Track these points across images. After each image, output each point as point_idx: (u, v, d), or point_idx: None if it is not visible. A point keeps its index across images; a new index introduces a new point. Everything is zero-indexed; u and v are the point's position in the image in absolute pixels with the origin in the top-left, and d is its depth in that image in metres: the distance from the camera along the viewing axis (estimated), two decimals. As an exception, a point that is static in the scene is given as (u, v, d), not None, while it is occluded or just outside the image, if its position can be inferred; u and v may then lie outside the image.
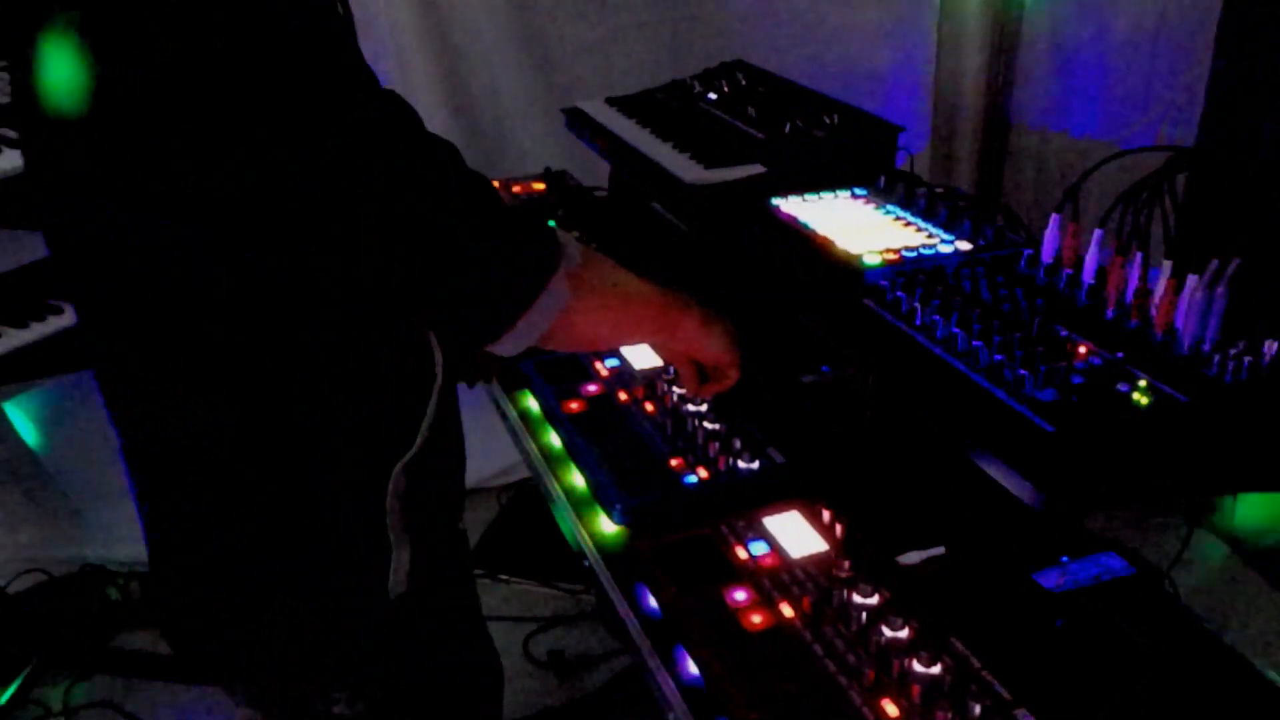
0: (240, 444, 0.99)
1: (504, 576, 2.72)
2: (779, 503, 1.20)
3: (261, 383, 0.97)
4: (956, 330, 1.17)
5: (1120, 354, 1.12)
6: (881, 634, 0.99)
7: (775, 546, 1.13)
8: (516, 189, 2.14)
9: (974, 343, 1.15)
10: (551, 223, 1.87)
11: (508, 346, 0.94)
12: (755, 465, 1.26)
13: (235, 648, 1.14)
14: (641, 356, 1.52)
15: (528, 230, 0.96)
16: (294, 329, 0.96)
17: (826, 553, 1.12)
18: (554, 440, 1.38)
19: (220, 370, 0.96)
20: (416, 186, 0.87)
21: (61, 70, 0.82)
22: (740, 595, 1.06)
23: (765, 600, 1.05)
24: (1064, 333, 1.18)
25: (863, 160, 1.71)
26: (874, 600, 1.03)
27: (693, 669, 1.00)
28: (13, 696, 2.43)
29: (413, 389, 1.05)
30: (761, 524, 1.17)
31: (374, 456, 1.03)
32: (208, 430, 0.99)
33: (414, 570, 1.08)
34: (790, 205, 1.59)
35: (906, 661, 0.95)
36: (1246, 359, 1.07)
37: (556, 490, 1.30)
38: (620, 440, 1.32)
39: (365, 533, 1.04)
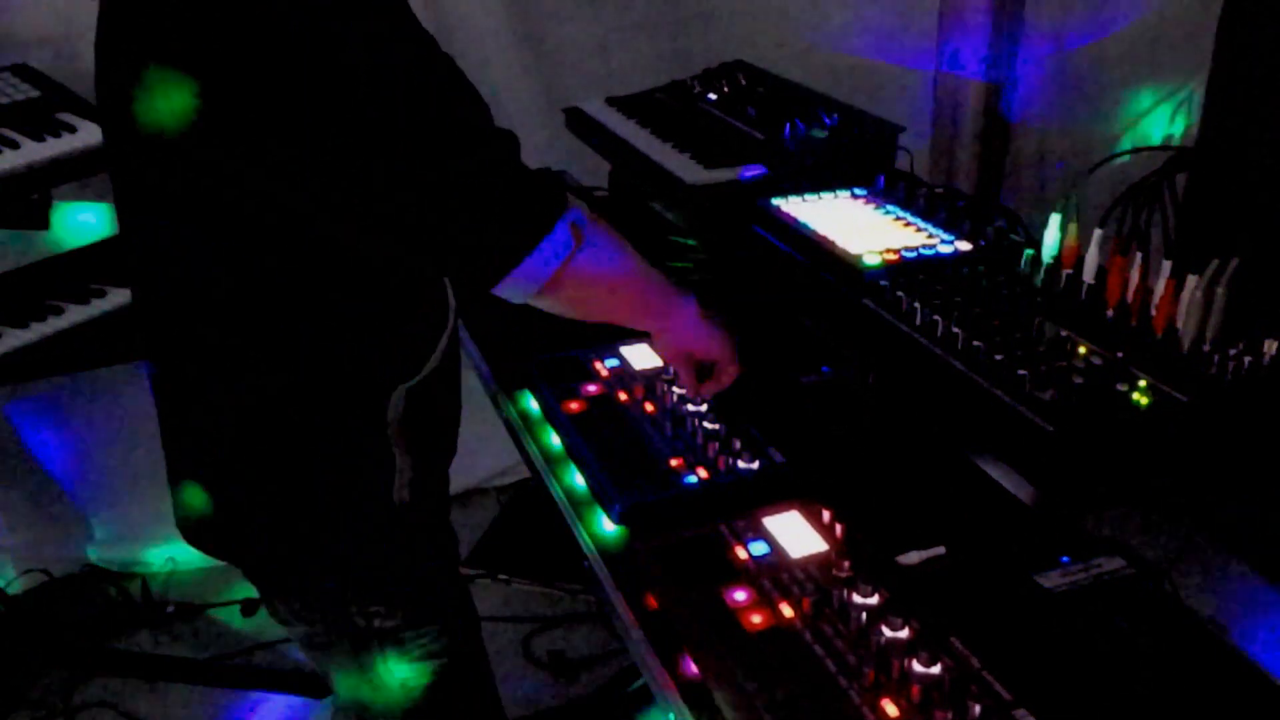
0: (262, 366, 1.09)
1: (504, 576, 2.72)
2: (779, 503, 1.20)
3: (286, 317, 1.06)
4: (956, 330, 1.17)
5: (1120, 354, 1.12)
6: (881, 634, 0.99)
7: (775, 546, 1.13)
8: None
9: (974, 343, 1.15)
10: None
11: (511, 291, 1.03)
12: (755, 465, 1.26)
13: (271, 562, 1.24)
14: (641, 356, 1.52)
15: (536, 184, 1.03)
16: (322, 269, 1.04)
17: (826, 553, 1.12)
18: (554, 440, 1.38)
19: (252, 303, 1.05)
20: (439, 144, 0.95)
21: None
22: (740, 595, 1.06)
23: (765, 600, 1.05)
24: (1064, 333, 1.18)
25: (863, 160, 1.71)
26: (874, 600, 1.03)
27: (693, 669, 1.00)
28: (13, 697, 2.43)
29: (425, 327, 1.16)
30: (761, 524, 1.17)
31: (380, 382, 1.13)
32: (240, 356, 1.09)
33: (415, 482, 1.18)
34: (790, 205, 1.59)
35: (906, 661, 0.95)
36: (1246, 359, 1.07)
37: (557, 490, 1.30)
38: (620, 440, 1.32)
39: (369, 447, 1.15)
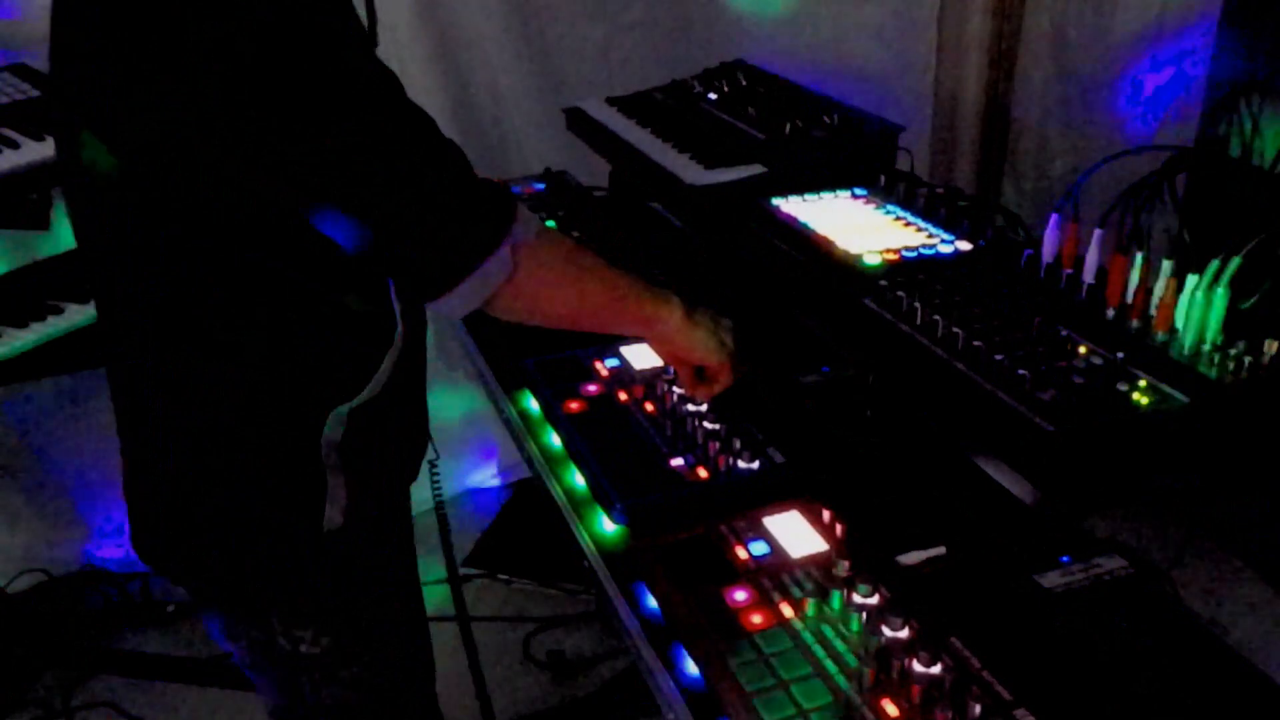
0: (194, 380, 1.06)
1: (504, 576, 2.72)
2: (779, 503, 1.20)
3: (222, 329, 1.03)
4: (956, 330, 1.17)
5: (1120, 354, 1.12)
6: (881, 634, 0.99)
7: (775, 546, 1.13)
8: (517, 189, 2.14)
9: (974, 343, 1.15)
10: (550, 223, 1.88)
11: (450, 307, 1.02)
12: (755, 465, 1.26)
13: (199, 577, 1.21)
14: (641, 356, 1.52)
15: (481, 201, 1.02)
16: (260, 277, 1.02)
17: (826, 553, 1.12)
18: (554, 440, 1.38)
19: (190, 315, 1.03)
20: (382, 156, 0.94)
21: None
22: (740, 595, 1.06)
23: (765, 600, 1.05)
24: (1064, 333, 1.18)
25: (863, 160, 1.71)
26: (874, 600, 1.03)
27: (693, 669, 1.00)
28: (13, 696, 2.43)
29: (366, 346, 1.12)
30: (761, 524, 1.17)
31: (314, 401, 1.09)
32: (175, 367, 1.07)
33: (350, 510, 1.14)
34: (790, 205, 1.59)
35: (906, 661, 0.95)
36: (1246, 359, 1.07)
37: (557, 490, 1.30)
38: (620, 440, 1.32)
39: (299, 468, 1.11)
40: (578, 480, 1.29)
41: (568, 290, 1.13)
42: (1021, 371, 1.08)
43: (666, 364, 1.38)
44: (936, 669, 0.94)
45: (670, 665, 1.01)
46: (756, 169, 1.69)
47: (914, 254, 1.39)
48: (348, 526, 1.15)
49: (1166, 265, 1.16)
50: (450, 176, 1.00)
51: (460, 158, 1.03)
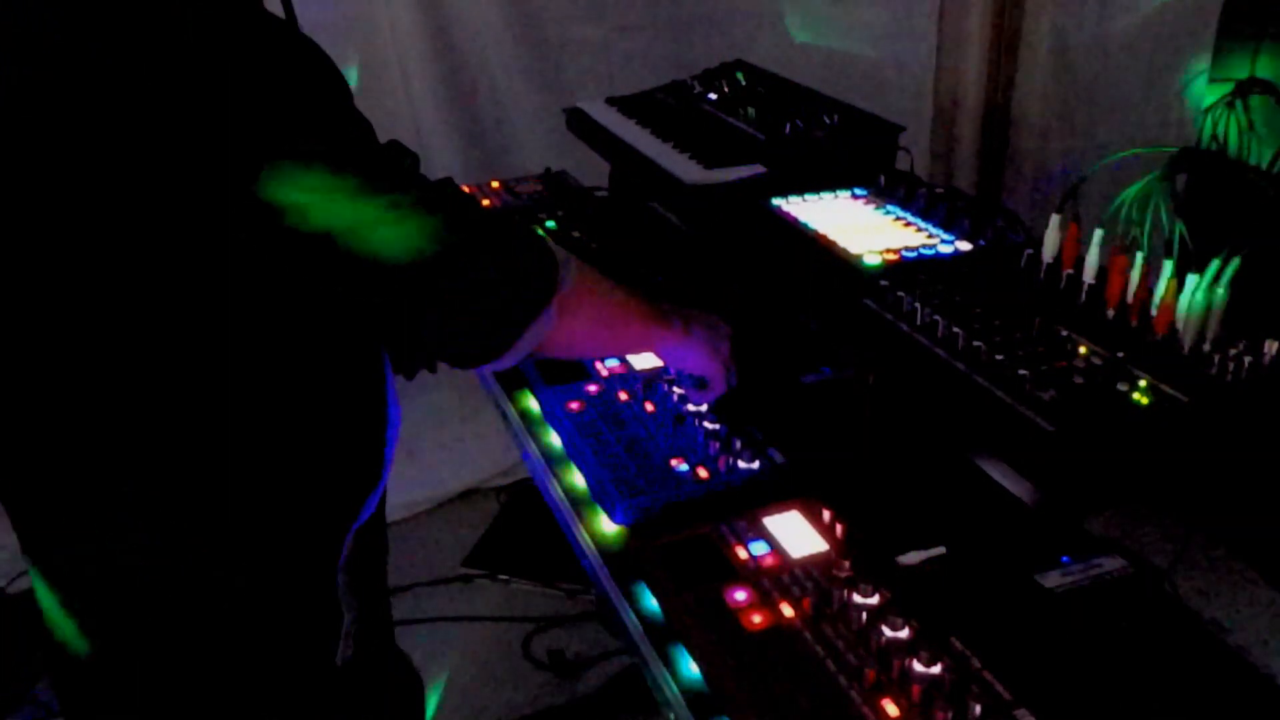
0: (184, 531, 0.97)
1: (504, 576, 2.73)
2: (779, 503, 1.20)
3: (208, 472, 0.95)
4: (956, 330, 1.17)
5: (1120, 354, 1.12)
6: (881, 634, 0.99)
7: (775, 546, 1.13)
8: (517, 189, 2.14)
9: (974, 343, 1.15)
10: (550, 223, 1.87)
11: (492, 368, 1.03)
12: (755, 465, 1.26)
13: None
14: (641, 356, 1.51)
15: (523, 257, 1.00)
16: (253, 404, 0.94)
17: (826, 553, 1.12)
18: (554, 440, 1.38)
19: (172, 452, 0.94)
20: (431, 223, 0.91)
21: None
22: (740, 595, 1.06)
23: (765, 600, 1.05)
24: (1064, 333, 1.18)
25: (863, 160, 1.71)
26: (874, 600, 1.03)
27: (693, 669, 1.00)
28: (13, 696, 2.43)
29: (361, 464, 1.05)
30: (761, 524, 1.17)
31: (326, 529, 1.03)
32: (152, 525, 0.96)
33: (358, 634, 1.08)
34: (790, 205, 1.59)
35: (906, 661, 0.95)
36: (1246, 359, 1.07)
37: (557, 490, 1.30)
38: (620, 440, 1.32)
39: (315, 605, 1.04)
40: (578, 480, 1.30)
41: (596, 326, 1.15)
42: (1021, 371, 1.08)
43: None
44: (936, 669, 0.94)
45: (670, 665, 1.01)
46: (756, 169, 1.69)
47: (914, 254, 1.39)
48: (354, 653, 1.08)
49: (1167, 265, 1.16)
50: (484, 236, 0.97)
51: (482, 210, 1.01)
